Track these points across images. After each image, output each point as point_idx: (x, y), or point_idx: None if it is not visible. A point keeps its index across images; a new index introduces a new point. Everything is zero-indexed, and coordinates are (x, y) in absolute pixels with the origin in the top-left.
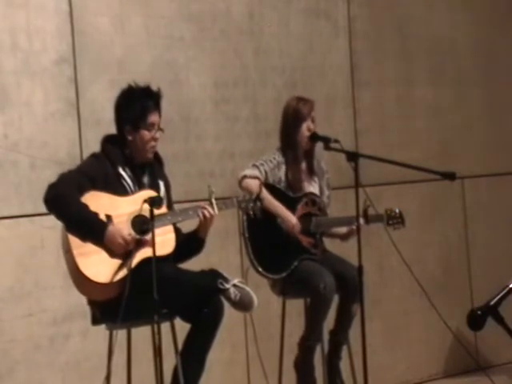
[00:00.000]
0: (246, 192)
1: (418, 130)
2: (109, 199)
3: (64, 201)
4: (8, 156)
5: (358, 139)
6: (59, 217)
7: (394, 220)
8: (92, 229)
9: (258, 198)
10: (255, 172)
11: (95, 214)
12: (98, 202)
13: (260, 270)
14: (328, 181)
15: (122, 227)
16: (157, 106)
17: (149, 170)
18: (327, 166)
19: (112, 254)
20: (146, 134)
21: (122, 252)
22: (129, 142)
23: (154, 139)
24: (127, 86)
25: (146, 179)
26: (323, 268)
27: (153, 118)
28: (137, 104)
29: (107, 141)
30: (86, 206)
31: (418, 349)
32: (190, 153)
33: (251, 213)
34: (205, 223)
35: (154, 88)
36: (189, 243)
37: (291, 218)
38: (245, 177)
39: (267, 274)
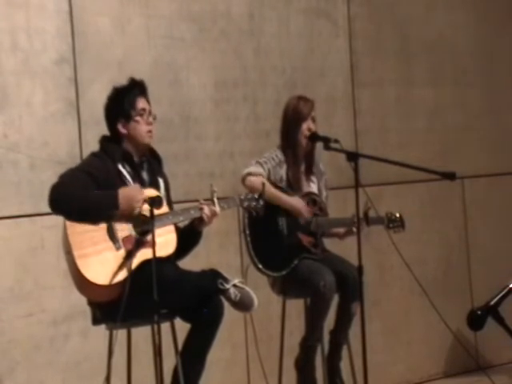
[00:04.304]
0: (248, 189)
1: (418, 130)
2: None
3: (68, 201)
4: (8, 156)
5: (358, 139)
6: (66, 216)
7: (395, 223)
8: (104, 204)
9: (261, 196)
10: (259, 170)
11: (100, 192)
12: None
13: (260, 267)
14: (326, 182)
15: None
16: (143, 93)
17: (147, 166)
18: (327, 166)
19: (131, 216)
20: (138, 119)
21: (142, 203)
22: (124, 137)
23: (148, 123)
24: (112, 89)
25: (145, 176)
26: (324, 267)
27: (141, 103)
28: (123, 99)
29: (105, 139)
30: (90, 193)
31: (418, 349)
32: (189, 153)
33: (253, 211)
34: (206, 222)
35: (138, 78)
36: (187, 238)
37: (298, 203)
38: (249, 174)
39: (267, 271)
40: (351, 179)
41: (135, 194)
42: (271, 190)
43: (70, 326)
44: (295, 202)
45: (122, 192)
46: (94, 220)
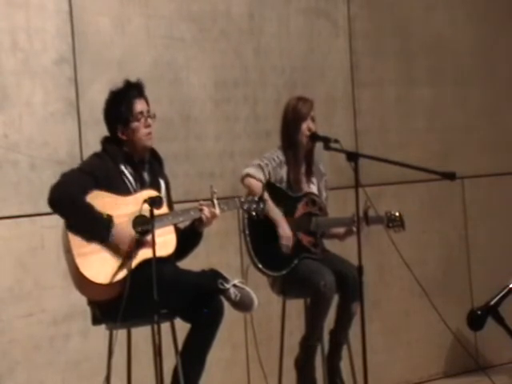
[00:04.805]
0: (247, 189)
1: (417, 130)
2: (110, 199)
3: (69, 201)
4: (8, 156)
5: (358, 139)
6: (64, 217)
7: (395, 223)
8: (97, 229)
9: (262, 199)
10: (259, 175)
11: (100, 214)
12: (99, 202)
13: (260, 266)
14: (326, 183)
15: (125, 226)
16: (140, 94)
17: (148, 167)
18: (327, 166)
19: (115, 253)
20: (136, 124)
21: (127, 251)
22: (125, 142)
23: (146, 126)
24: (109, 93)
25: (146, 176)
26: (323, 267)
27: (138, 106)
28: (120, 103)
29: (107, 140)
30: (91, 206)
31: (418, 349)
32: (190, 153)
33: (254, 214)
34: (205, 223)
35: (133, 79)
36: (187, 238)
37: (288, 231)
38: (248, 175)
39: (267, 271)
40: (351, 179)
41: (125, 239)
42: (269, 201)
43: (69, 326)
44: (284, 231)
45: (116, 229)
46: (83, 237)
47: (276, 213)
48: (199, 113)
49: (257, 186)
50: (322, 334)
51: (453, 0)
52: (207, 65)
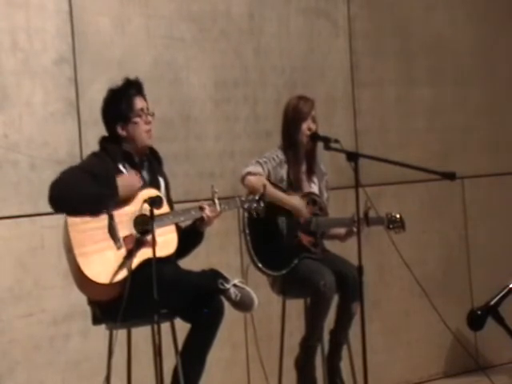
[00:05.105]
0: (248, 189)
1: (417, 130)
2: None
3: (67, 191)
4: (8, 156)
5: (358, 139)
6: (67, 211)
7: (395, 224)
8: (103, 194)
9: (262, 197)
10: (258, 169)
11: (96, 182)
12: None
13: (260, 266)
14: (327, 183)
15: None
16: (139, 92)
17: (148, 166)
18: (327, 166)
19: (130, 197)
20: (137, 120)
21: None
22: (124, 139)
23: (147, 123)
24: (107, 91)
25: (145, 175)
26: (323, 267)
27: (139, 103)
28: (120, 100)
29: (104, 140)
30: (86, 181)
31: (418, 349)
32: (190, 153)
33: (254, 213)
34: (206, 222)
35: (132, 77)
36: (188, 237)
37: (299, 203)
38: (248, 173)
39: (267, 270)
40: (351, 179)
41: (133, 181)
42: (271, 190)
43: (69, 326)
44: (296, 201)
45: (121, 180)
46: (95, 211)
47: (280, 196)
48: (199, 113)
49: (257, 181)
50: (322, 334)
51: (453, 0)
52: (207, 65)
